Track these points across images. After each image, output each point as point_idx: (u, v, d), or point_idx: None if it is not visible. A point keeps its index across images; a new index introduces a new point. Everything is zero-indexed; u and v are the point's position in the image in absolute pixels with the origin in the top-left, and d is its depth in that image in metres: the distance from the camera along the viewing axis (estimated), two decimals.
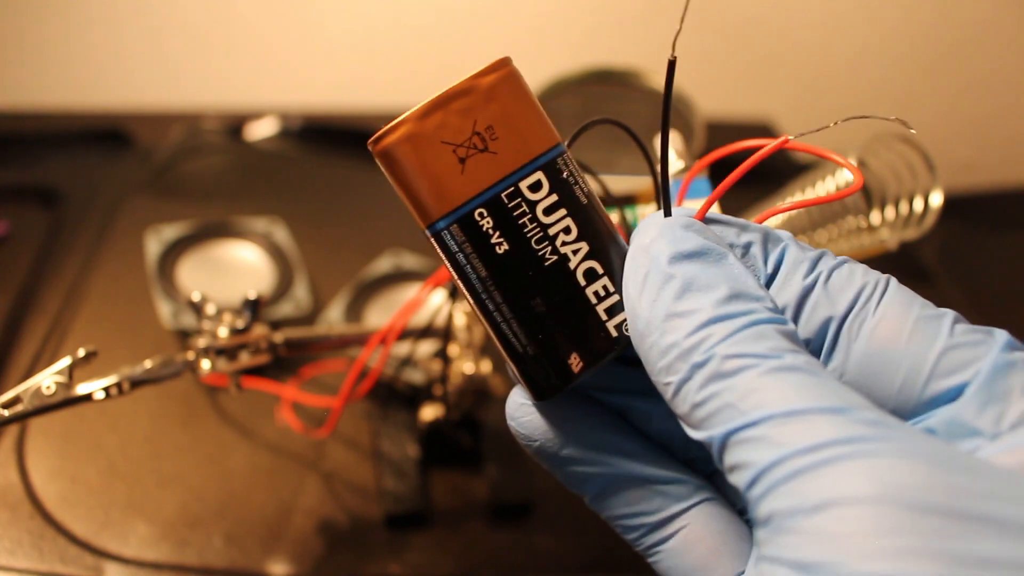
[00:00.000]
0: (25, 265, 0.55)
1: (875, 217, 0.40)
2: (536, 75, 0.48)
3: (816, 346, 0.21)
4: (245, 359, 0.37)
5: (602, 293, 0.22)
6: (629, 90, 0.49)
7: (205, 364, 0.36)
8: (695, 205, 0.30)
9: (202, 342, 0.36)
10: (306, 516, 0.43)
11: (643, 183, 0.42)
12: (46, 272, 0.55)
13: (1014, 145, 0.78)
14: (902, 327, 0.20)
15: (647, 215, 0.22)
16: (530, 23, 0.76)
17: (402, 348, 0.43)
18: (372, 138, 0.22)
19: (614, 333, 0.22)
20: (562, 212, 0.22)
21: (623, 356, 0.22)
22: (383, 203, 0.63)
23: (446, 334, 0.38)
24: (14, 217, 0.59)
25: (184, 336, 0.50)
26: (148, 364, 0.35)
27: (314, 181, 0.65)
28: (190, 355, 0.36)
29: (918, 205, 0.39)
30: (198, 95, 0.74)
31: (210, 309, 0.37)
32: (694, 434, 0.19)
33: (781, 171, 0.69)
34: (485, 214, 0.21)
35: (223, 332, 0.36)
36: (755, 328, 0.19)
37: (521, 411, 0.23)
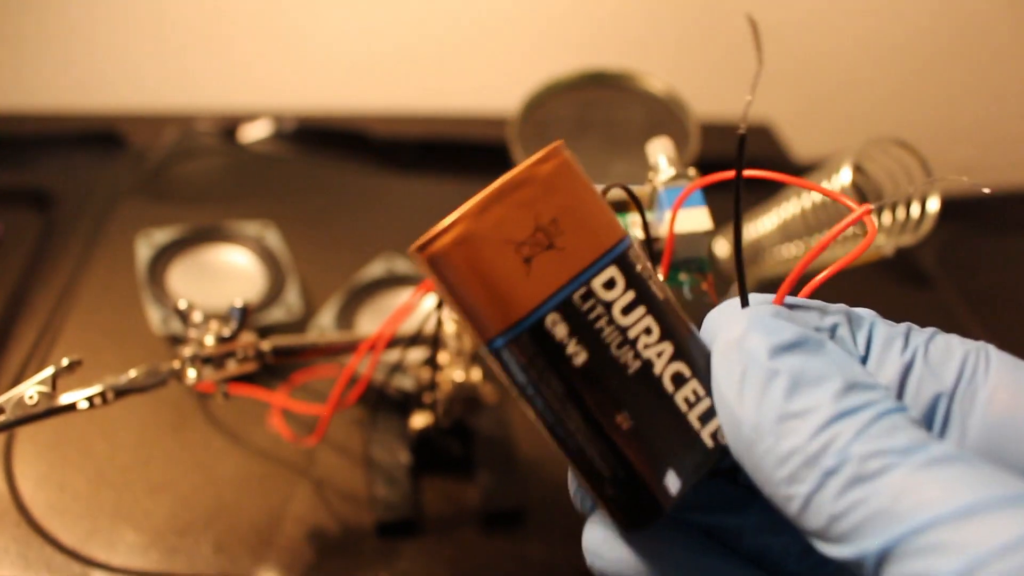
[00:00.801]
0: (16, 268, 0.55)
1: (871, 222, 0.39)
2: (530, 78, 0.48)
3: (927, 425, 0.19)
4: (232, 367, 0.36)
5: (692, 399, 0.19)
6: (624, 93, 0.48)
7: (191, 373, 0.36)
8: (696, 213, 0.30)
9: (188, 351, 0.36)
10: (296, 524, 0.42)
11: (635, 190, 0.42)
12: (37, 275, 0.55)
13: (1013, 147, 0.77)
14: (1018, 394, 0.18)
15: (721, 307, 0.20)
16: (525, 25, 0.76)
17: (392, 354, 0.43)
18: (418, 244, 0.19)
19: (710, 443, 0.19)
20: (641, 310, 0.19)
21: (717, 468, 0.20)
22: (377, 207, 0.62)
23: (435, 342, 0.37)
24: (6, 219, 0.58)
25: (175, 341, 0.49)
26: (133, 373, 0.34)
27: (308, 184, 0.64)
28: (176, 364, 0.36)
29: (915, 211, 0.38)
30: (192, 97, 0.73)
31: (197, 317, 0.37)
32: (836, 551, 0.16)
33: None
34: (558, 320, 0.18)
35: (209, 340, 0.36)
36: (886, 420, 0.17)
37: (607, 547, 0.20)
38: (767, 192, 0.48)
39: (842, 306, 0.21)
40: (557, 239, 0.19)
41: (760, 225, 0.49)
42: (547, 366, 0.18)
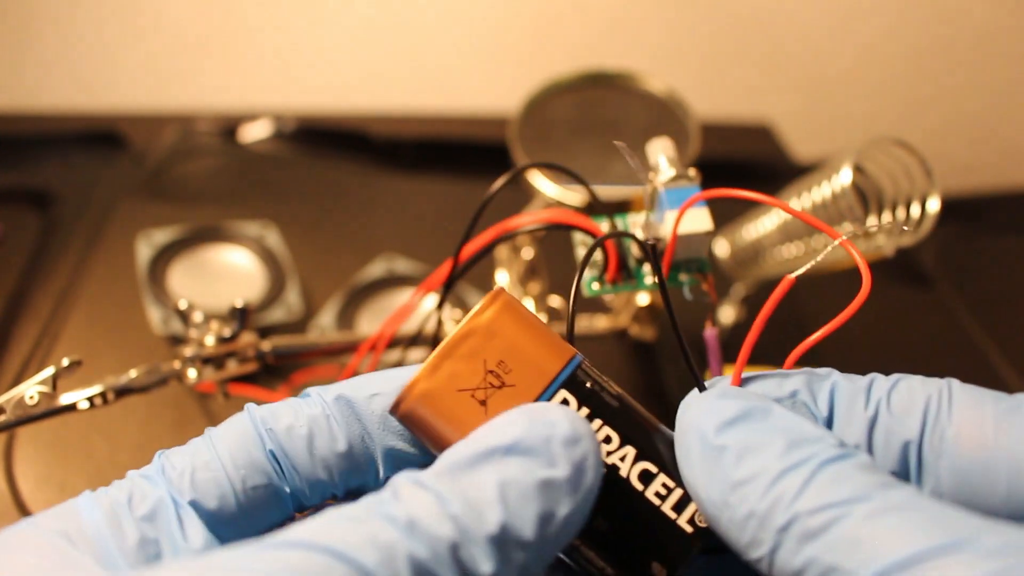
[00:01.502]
0: (17, 268, 0.55)
1: (871, 222, 0.39)
2: (530, 78, 0.48)
3: (902, 475, 0.19)
4: (232, 368, 0.36)
5: (663, 492, 0.21)
6: (624, 93, 0.48)
7: (192, 373, 0.36)
8: (696, 214, 0.30)
9: (188, 351, 0.36)
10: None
11: (636, 190, 0.42)
12: (38, 275, 0.55)
13: (1014, 147, 0.77)
14: (984, 430, 0.19)
15: (685, 399, 0.21)
16: (524, 25, 0.76)
17: (393, 354, 0.43)
18: (392, 404, 0.22)
19: (688, 529, 0.21)
20: (598, 423, 0.21)
21: (711, 546, 0.21)
22: (377, 207, 0.62)
23: (435, 342, 0.37)
24: (6, 219, 0.58)
25: (175, 341, 0.49)
26: (133, 373, 0.34)
27: (308, 184, 0.64)
28: (176, 364, 0.36)
29: (915, 211, 0.38)
30: (192, 97, 0.73)
31: (197, 317, 0.37)
32: None
33: (780, 174, 0.69)
34: None
35: (210, 341, 0.36)
36: (828, 469, 0.17)
37: None
38: (768, 192, 0.48)
39: (804, 370, 0.21)
40: (507, 377, 0.21)
41: (760, 225, 0.49)
42: None
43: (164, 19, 0.74)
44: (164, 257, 0.52)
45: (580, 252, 0.32)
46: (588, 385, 0.21)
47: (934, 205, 0.37)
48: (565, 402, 0.21)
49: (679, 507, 0.20)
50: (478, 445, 0.19)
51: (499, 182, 0.31)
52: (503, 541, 0.17)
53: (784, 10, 0.75)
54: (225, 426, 0.23)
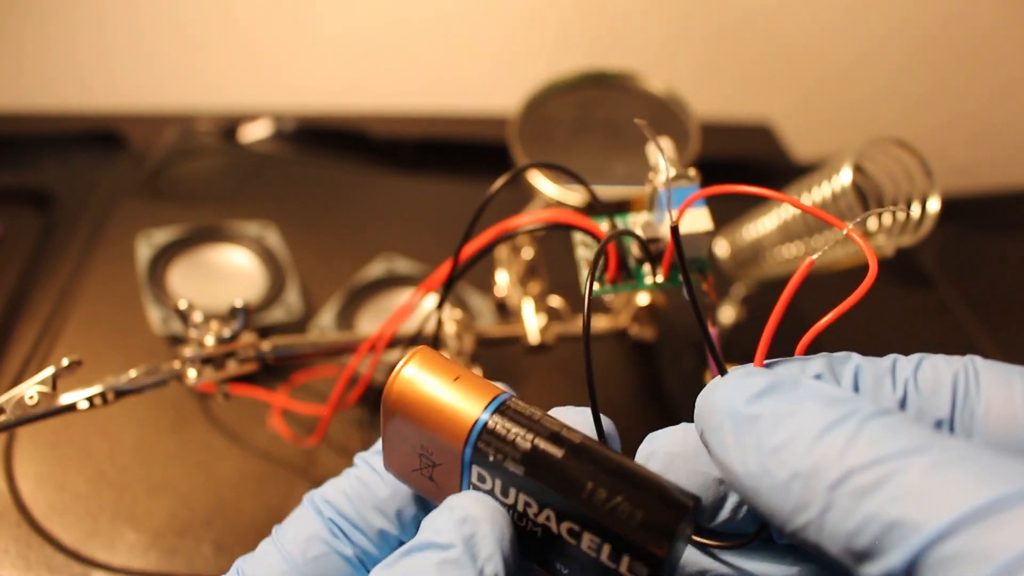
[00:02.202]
0: (17, 268, 0.55)
1: (872, 223, 0.39)
2: (530, 77, 0.48)
3: None
4: (232, 368, 0.36)
5: (594, 546, 0.20)
6: (624, 93, 0.48)
7: (191, 373, 0.36)
8: (696, 214, 0.30)
9: (188, 351, 0.36)
10: None
11: (636, 191, 0.42)
12: (37, 275, 0.55)
13: (1014, 147, 0.77)
14: (1013, 405, 0.18)
15: (705, 389, 0.21)
16: (525, 25, 0.76)
17: (393, 354, 0.43)
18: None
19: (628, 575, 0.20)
20: (513, 492, 0.21)
21: (729, 534, 0.22)
22: (377, 207, 0.62)
23: (435, 342, 0.37)
24: (6, 219, 0.58)
25: (175, 341, 0.49)
26: (133, 373, 0.34)
27: (308, 184, 0.64)
28: (176, 364, 0.36)
29: (915, 211, 0.38)
30: (192, 97, 0.73)
31: (197, 317, 0.37)
32: (864, 570, 0.16)
33: (780, 174, 0.69)
34: None
35: (210, 341, 0.36)
36: (875, 422, 0.16)
37: None
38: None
39: (823, 355, 0.21)
40: (434, 458, 0.22)
41: (760, 225, 0.49)
42: None
43: (164, 19, 0.74)
44: (164, 257, 0.52)
45: (580, 252, 0.32)
46: (491, 459, 0.21)
47: (934, 205, 0.37)
48: (482, 476, 0.22)
49: (615, 558, 0.20)
50: (394, 555, 0.21)
51: (499, 182, 0.31)
52: None
53: (784, 10, 0.75)
54: (288, 518, 0.25)
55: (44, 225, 0.59)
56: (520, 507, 0.21)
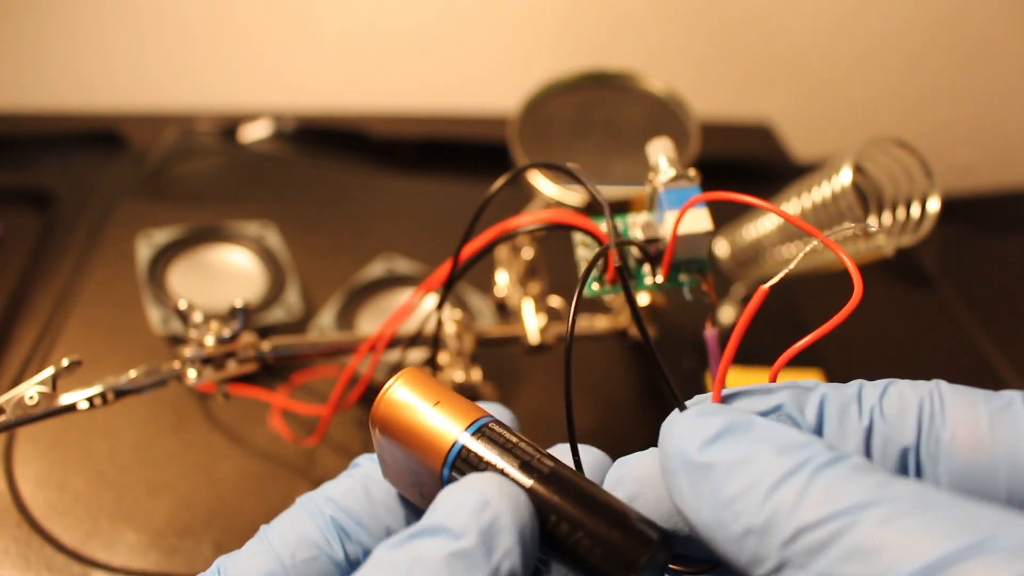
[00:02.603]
0: (17, 268, 0.55)
1: (872, 223, 0.39)
2: (530, 77, 0.48)
3: None
4: (232, 368, 0.36)
5: (564, 572, 0.21)
6: (624, 93, 0.48)
7: (191, 373, 0.36)
8: (696, 214, 0.30)
9: (188, 351, 0.36)
10: None
11: (636, 191, 0.42)
12: (37, 275, 0.55)
13: (1014, 147, 0.77)
14: (979, 430, 0.18)
15: (665, 422, 0.20)
16: (524, 25, 0.76)
17: (393, 355, 0.43)
18: None
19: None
20: None
21: (696, 560, 0.22)
22: (377, 207, 0.62)
23: (435, 342, 0.37)
24: (6, 219, 0.58)
25: (175, 341, 0.49)
26: (133, 374, 0.34)
27: (308, 184, 0.64)
28: (176, 364, 0.36)
29: (915, 211, 0.38)
30: (192, 97, 0.73)
31: (197, 317, 0.37)
32: None
33: (780, 174, 0.69)
34: None
35: (210, 341, 0.36)
36: (825, 473, 0.16)
37: None
38: (768, 192, 0.48)
39: (788, 383, 0.21)
40: (420, 478, 0.23)
41: (760, 225, 0.49)
42: None
43: (164, 19, 0.74)
44: (164, 257, 0.51)
45: (580, 252, 0.32)
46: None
47: (934, 205, 0.37)
48: None
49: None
50: (402, 534, 0.20)
51: (499, 182, 0.31)
52: None
53: (784, 10, 0.75)
54: (278, 518, 0.25)
55: (44, 225, 0.59)
56: None
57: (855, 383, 0.20)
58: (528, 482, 0.21)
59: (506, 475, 0.21)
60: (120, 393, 0.34)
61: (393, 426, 0.23)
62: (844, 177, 0.38)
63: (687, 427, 0.19)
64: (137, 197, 0.61)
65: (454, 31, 0.75)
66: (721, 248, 0.54)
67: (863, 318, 0.37)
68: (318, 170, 0.65)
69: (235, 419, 0.47)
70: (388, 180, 0.65)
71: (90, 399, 0.33)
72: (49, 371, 0.32)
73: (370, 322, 0.50)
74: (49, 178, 0.62)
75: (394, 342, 0.39)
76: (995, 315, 0.59)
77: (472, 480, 0.20)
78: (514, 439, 0.22)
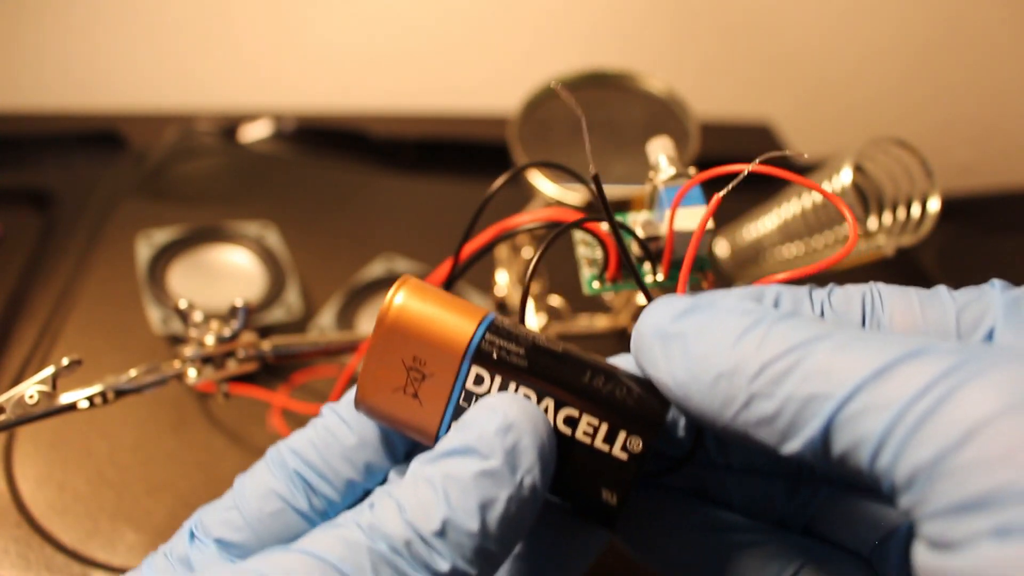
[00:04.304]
0: (17, 268, 0.55)
1: (872, 223, 0.39)
2: (530, 77, 0.48)
3: None
4: (232, 367, 0.36)
5: (590, 431, 0.22)
6: (624, 93, 0.48)
7: (192, 373, 0.36)
8: (696, 212, 0.30)
9: (189, 350, 0.36)
10: None
11: (636, 190, 0.42)
12: (37, 275, 0.55)
13: (1014, 147, 0.77)
14: (913, 311, 0.21)
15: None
16: (525, 26, 0.76)
17: None
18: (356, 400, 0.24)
19: (624, 456, 0.22)
20: (513, 386, 0.22)
21: (674, 457, 0.24)
22: (377, 207, 0.62)
23: None
24: (6, 219, 0.58)
25: (175, 341, 0.49)
26: (133, 373, 0.34)
27: (308, 184, 0.64)
28: (176, 364, 0.36)
29: (915, 211, 0.38)
30: (192, 97, 0.73)
31: (197, 316, 0.37)
32: (790, 447, 0.18)
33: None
34: None
35: (210, 340, 0.36)
36: (784, 322, 0.19)
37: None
38: (768, 192, 0.48)
39: (747, 286, 0.23)
40: (425, 369, 0.23)
41: (761, 225, 0.49)
42: None
43: (164, 19, 0.74)
44: (164, 257, 0.52)
45: (580, 251, 0.32)
46: (494, 356, 0.22)
47: (934, 205, 0.37)
48: (480, 376, 0.22)
49: (609, 439, 0.22)
50: (434, 452, 0.21)
51: (499, 182, 0.31)
52: (449, 534, 0.20)
53: (784, 10, 0.75)
54: (250, 469, 0.25)
55: (44, 225, 0.59)
56: None
57: (805, 285, 0.23)
58: (559, 347, 0.23)
59: (537, 343, 0.23)
60: (120, 393, 0.34)
61: (413, 313, 0.23)
62: (844, 177, 0.38)
63: (659, 307, 0.22)
64: (137, 197, 0.61)
65: (454, 31, 0.76)
66: (721, 248, 0.54)
67: None
68: (318, 170, 0.65)
69: (235, 419, 0.47)
70: (388, 180, 0.65)
71: (90, 398, 0.33)
72: (49, 370, 0.32)
73: (370, 322, 0.50)
74: (49, 178, 0.62)
75: None
76: None
77: (491, 401, 0.22)
78: (523, 327, 0.23)
